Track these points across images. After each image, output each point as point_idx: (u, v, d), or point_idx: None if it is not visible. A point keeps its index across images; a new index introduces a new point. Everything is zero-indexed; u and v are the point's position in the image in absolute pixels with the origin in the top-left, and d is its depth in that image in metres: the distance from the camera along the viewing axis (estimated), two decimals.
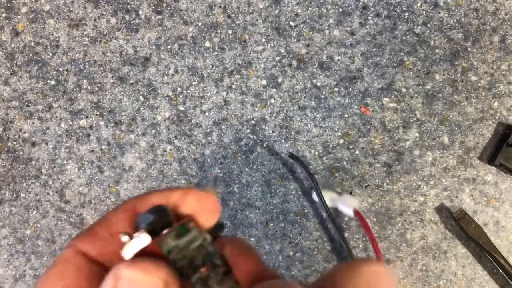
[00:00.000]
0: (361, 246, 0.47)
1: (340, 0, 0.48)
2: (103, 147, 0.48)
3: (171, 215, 0.18)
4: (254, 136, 0.48)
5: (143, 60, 0.48)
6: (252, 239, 0.47)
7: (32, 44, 0.49)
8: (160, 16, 0.48)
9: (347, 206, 0.45)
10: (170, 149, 0.48)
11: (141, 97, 0.48)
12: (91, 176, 0.48)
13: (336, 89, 0.48)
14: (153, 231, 0.17)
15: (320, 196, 0.44)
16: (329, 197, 0.45)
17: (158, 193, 0.18)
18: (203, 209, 0.18)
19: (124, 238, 0.16)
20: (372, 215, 0.47)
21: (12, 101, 0.48)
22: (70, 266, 0.17)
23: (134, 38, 0.48)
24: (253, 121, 0.48)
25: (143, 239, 0.17)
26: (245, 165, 0.48)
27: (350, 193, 0.47)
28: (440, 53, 0.47)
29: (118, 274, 0.15)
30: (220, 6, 0.48)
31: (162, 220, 0.17)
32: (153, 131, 0.48)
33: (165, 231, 0.17)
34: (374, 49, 0.48)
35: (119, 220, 0.18)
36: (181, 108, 0.48)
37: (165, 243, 0.17)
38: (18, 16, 0.49)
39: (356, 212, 0.44)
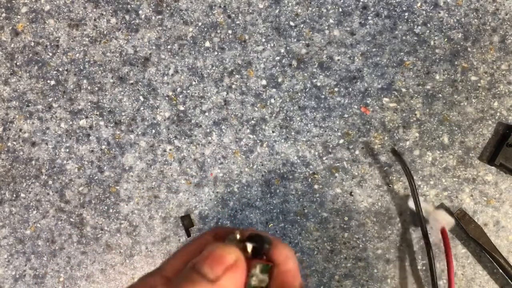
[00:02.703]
0: (361, 246, 0.47)
1: (340, 0, 0.48)
2: (103, 147, 0.48)
3: (269, 250, 0.22)
4: (254, 136, 0.48)
5: (143, 60, 0.48)
6: None
7: (32, 44, 0.49)
8: (160, 16, 0.48)
9: (437, 221, 0.43)
10: (170, 149, 0.48)
11: (141, 97, 0.48)
12: (91, 176, 0.48)
13: (336, 89, 0.48)
14: (254, 251, 0.21)
15: (417, 203, 0.43)
16: (423, 206, 0.44)
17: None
18: (283, 267, 0.21)
19: (238, 236, 0.21)
20: (372, 215, 0.47)
21: (12, 101, 0.48)
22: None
23: (134, 38, 0.48)
24: (253, 121, 0.48)
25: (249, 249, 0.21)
26: (245, 165, 0.48)
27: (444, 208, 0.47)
28: (440, 53, 0.47)
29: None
30: (220, 6, 0.48)
31: (261, 247, 0.21)
32: (153, 131, 0.48)
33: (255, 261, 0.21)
34: (374, 49, 0.48)
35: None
36: (181, 108, 0.48)
37: (254, 266, 0.21)
38: (18, 16, 0.49)
39: (444, 232, 0.43)
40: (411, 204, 0.45)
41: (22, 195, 0.48)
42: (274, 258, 0.21)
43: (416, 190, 0.44)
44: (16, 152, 0.48)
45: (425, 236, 0.44)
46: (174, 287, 0.18)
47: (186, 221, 0.47)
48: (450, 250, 0.42)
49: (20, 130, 0.48)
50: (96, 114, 0.48)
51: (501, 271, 0.45)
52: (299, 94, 0.48)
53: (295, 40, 0.48)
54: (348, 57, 0.48)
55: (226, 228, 0.22)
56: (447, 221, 0.44)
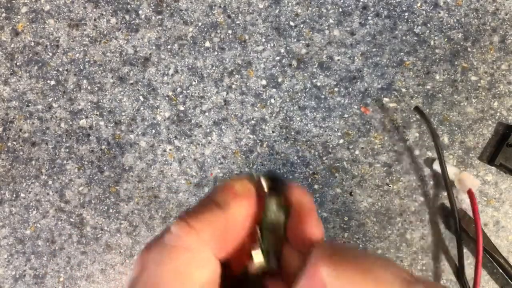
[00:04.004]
0: (361, 246, 0.47)
1: (340, 0, 0.48)
2: (103, 147, 0.48)
3: (282, 186, 0.22)
4: (254, 136, 0.48)
5: (143, 60, 0.48)
6: None
7: (32, 44, 0.49)
8: (160, 16, 0.48)
9: (465, 184, 0.44)
10: (170, 149, 0.48)
11: (141, 97, 0.48)
12: (91, 176, 0.48)
13: (336, 89, 0.48)
14: (270, 187, 0.21)
15: (443, 164, 0.43)
16: (451, 170, 0.44)
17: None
18: (307, 233, 0.21)
19: (255, 175, 0.21)
20: (372, 215, 0.47)
21: (12, 101, 0.48)
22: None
23: (134, 38, 0.48)
24: (253, 121, 0.48)
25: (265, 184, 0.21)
26: (245, 165, 0.48)
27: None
28: (440, 53, 0.47)
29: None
30: (220, 6, 0.48)
31: (277, 185, 0.21)
32: (153, 131, 0.48)
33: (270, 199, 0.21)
34: (374, 49, 0.48)
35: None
36: (181, 108, 0.48)
37: (271, 203, 0.21)
38: (18, 16, 0.49)
39: (470, 193, 0.43)
40: (436, 167, 0.45)
41: (22, 195, 0.48)
42: (290, 199, 0.21)
43: (441, 150, 0.44)
44: (16, 152, 0.48)
45: (450, 198, 0.44)
46: (191, 213, 0.19)
47: None
48: (478, 211, 0.42)
49: (20, 130, 0.48)
50: (96, 114, 0.48)
51: (501, 271, 0.45)
52: (299, 94, 0.48)
53: (295, 40, 0.48)
54: (348, 57, 0.48)
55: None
56: (473, 183, 0.44)
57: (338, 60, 0.48)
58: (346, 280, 0.16)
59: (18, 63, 0.49)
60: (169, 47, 0.48)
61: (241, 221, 0.19)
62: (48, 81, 0.48)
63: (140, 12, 0.48)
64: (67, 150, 0.48)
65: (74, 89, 0.48)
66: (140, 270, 0.18)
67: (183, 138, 0.48)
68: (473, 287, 0.43)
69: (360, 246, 0.47)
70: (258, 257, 0.20)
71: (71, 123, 0.48)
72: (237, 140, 0.48)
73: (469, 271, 0.47)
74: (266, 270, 0.21)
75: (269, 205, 0.21)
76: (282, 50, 0.48)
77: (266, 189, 0.21)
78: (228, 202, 0.19)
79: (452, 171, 0.45)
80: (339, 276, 0.16)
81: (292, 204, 0.21)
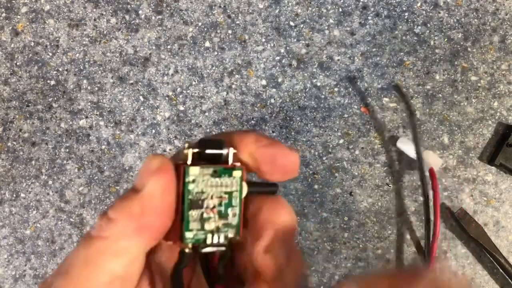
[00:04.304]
0: (361, 246, 0.47)
1: (340, 0, 0.48)
2: (103, 147, 0.48)
3: (226, 152, 0.18)
4: None
5: (143, 60, 0.48)
6: None
7: (32, 44, 0.49)
8: (160, 16, 0.48)
9: (427, 163, 0.43)
10: (170, 149, 0.48)
11: (141, 97, 0.48)
12: (91, 176, 0.48)
13: (336, 89, 0.48)
14: (206, 159, 0.18)
15: (417, 142, 0.42)
16: (411, 148, 0.44)
17: (232, 133, 0.19)
18: (275, 165, 0.18)
19: (186, 145, 0.18)
20: (372, 215, 0.47)
21: (12, 101, 0.48)
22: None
23: (134, 38, 0.48)
24: (253, 121, 0.48)
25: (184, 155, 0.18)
26: None
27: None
28: (440, 53, 0.47)
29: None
30: (220, 6, 0.48)
31: (215, 150, 0.18)
32: (153, 131, 0.48)
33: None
34: (374, 49, 0.48)
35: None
36: (181, 108, 0.48)
37: (193, 171, 0.17)
38: (18, 16, 0.49)
39: (432, 171, 0.42)
40: (400, 144, 0.45)
41: (22, 195, 0.48)
42: (251, 160, 0.18)
43: (417, 129, 0.43)
44: (16, 152, 0.48)
45: (422, 181, 0.43)
46: (112, 204, 0.18)
47: None
48: (438, 190, 0.42)
49: (20, 130, 0.48)
50: (96, 114, 0.48)
51: (501, 270, 0.45)
52: (299, 94, 0.48)
53: (295, 40, 0.48)
54: (348, 57, 0.48)
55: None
56: (436, 162, 0.44)
57: (338, 60, 0.48)
58: None
59: (18, 63, 0.49)
60: (169, 47, 0.48)
61: (160, 200, 0.17)
62: (48, 81, 0.48)
63: (140, 12, 0.48)
64: (67, 150, 0.48)
65: (74, 89, 0.48)
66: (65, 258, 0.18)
67: (183, 138, 0.48)
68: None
69: (360, 246, 0.47)
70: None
71: (71, 123, 0.48)
72: None
73: (469, 272, 0.47)
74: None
75: (189, 175, 0.17)
76: (282, 50, 0.48)
77: (188, 159, 0.17)
78: (143, 183, 0.17)
79: (414, 150, 0.44)
80: None
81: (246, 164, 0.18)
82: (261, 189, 0.19)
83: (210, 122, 0.48)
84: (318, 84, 0.48)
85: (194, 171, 0.17)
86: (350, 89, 0.47)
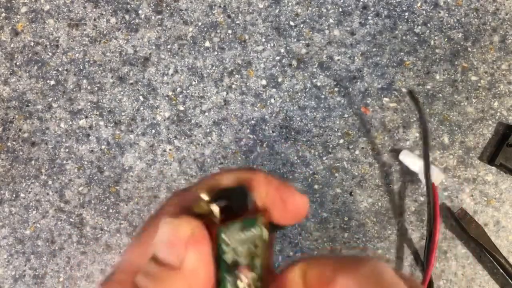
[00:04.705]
0: (361, 246, 0.47)
1: (340, 0, 0.48)
2: (103, 147, 0.48)
3: (250, 200, 0.17)
4: (254, 136, 0.48)
5: (142, 60, 0.48)
6: None
7: (32, 44, 0.48)
8: (160, 16, 0.48)
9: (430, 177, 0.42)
10: (170, 149, 0.48)
11: (140, 97, 0.48)
12: (90, 176, 0.48)
13: (336, 89, 0.47)
14: (227, 209, 0.17)
15: (427, 155, 0.41)
16: (416, 162, 0.44)
17: (237, 173, 0.18)
18: (286, 209, 0.17)
19: (203, 196, 0.16)
20: (372, 215, 0.47)
21: (11, 101, 0.48)
22: None
23: (134, 38, 0.48)
24: (253, 121, 0.48)
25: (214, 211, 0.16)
26: (245, 165, 0.47)
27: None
28: (440, 53, 0.47)
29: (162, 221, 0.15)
30: (220, 6, 0.48)
31: (239, 202, 0.17)
32: (153, 131, 0.48)
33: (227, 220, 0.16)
34: (374, 49, 0.47)
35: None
36: (181, 108, 0.48)
37: (225, 233, 0.16)
38: (18, 16, 0.49)
39: (433, 187, 0.42)
40: (403, 157, 0.45)
41: (22, 195, 0.48)
42: (264, 204, 0.17)
43: (428, 144, 0.42)
44: (16, 152, 0.48)
45: (428, 189, 0.43)
46: None
47: None
48: (438, 206, 0.42)
49: (20, 130, 0.48)
50: (96, 114, 0.48)
51: (501, 271, 0.45)
52: (299, 94, 0.48)
53: (295, 40, 0.48)
54: (348, 57, 0.48)
55: (189, 191, 0.18)
56: (438, 177, 0.43)
57: (338, 60, 0.48)
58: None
59: (17, 63, 0.48)
60: (169, 47, 0.48)
61: (204, 273, 0.16)
62: (48, 81, 0.48)
63: (140, 12, 0.48)
64: (67, 150, 0.48)
65: (74, 89, 0.48)
66: None
67: (183, 138, 0.48)
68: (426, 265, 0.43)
69: (360, 246, 0.47)
70: None
71: (70, 123, 0.48)
72: (237, 140, 0.48)
73: (469, 272, 0.47)
74: None
75: (222, 234, 0.16)
76: (282, 50, 0.48)
77: (218, 216, 0.16)
78: (179, 257, 0.15)
79: (417, 163, 0.44)
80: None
81: (266, 210, 0.17)
82: (275, 227, 0.18)
83: (210, 122, 0.48)
84: (318, 84, 0.47)
85: (227, 233, 0.16)
86: (350, 89, 0.47)
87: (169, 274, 0.15)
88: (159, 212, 0.17)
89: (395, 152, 0.47)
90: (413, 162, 0.44)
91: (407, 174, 0.47)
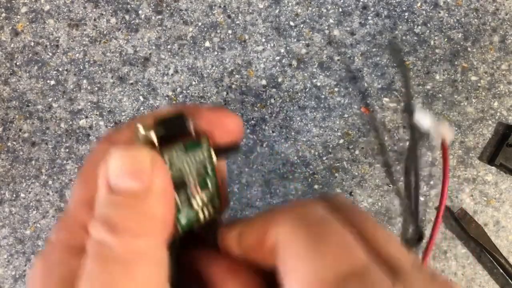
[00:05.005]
0: None
1: (340, 0, 0.48)
2: None
3: (189, 125, 0.17)
4: (254, 136, 0.48)
5: (143, 60, 0.48)
6: None
7: (32, 44, 0.48)
8: (160, 16, 0.48)
9: (438, 133, 0.42)
10: None
11: (141, 97, 0.48)
12: None
13: (336, 89, 0.47)
14: (167, 137, 0.17)
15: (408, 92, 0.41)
16: (427, 120, 0.43)
17: (175, 109, 0.18)
18: (222, 128, 0.18)
19: (140, 129, 0.16)
20: (372, 215, 0.47)
21: (11, 101, 0.48)
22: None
23: (134, 38, 0.48)
24: (253, 121, 0.48)
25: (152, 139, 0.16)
26: (245, 165, 0.47)
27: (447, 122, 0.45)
28: (440, 53, 0.47)
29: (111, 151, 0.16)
30: (220, 6, 0.48)
31: (178, 128, 0.17)
32: None
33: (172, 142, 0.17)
34: (374, 49, 0.47)
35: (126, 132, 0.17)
36: None
37: (169, 154, 0.17)
38: (18, 16, 0.49)
39: (444, 144, 0.41)
40: (418, 116, 0.44)
41: (22, 195, 0.48)
42: (204, 128, 0.18)
43: (409, 80, 0.42)
44: (16, 152, 0.48)
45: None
46: (116, 222, 0.15)
47: None
48: (448, 163, 0.41)
49: (20, 130, 0.48)
50: (96, 114, 0.48)
51: (501, 270, 0.45)
52: (299, 94, 0.48)
53: (295, 40, 0.48)
54: (348, 57, 0.48)
55: (123, 129, 0.18)
56: (448, 134, 0.43)
57: (338, 60, 0.48)
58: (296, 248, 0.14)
59: (18, 63, 0.49)
60: (169, 47, 0.48)
61: (171, 193, 0.16)
62: (48, 81, 0.48)
63: (140, 12, 0.48)
64: (67, 150, 0.48)
65: (74, 89, 0.48)
66: None
67: None
68: (427, 245, 0.43)
69: None
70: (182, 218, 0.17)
71: (71, 123, 0.48)
72: None
73: (469, 272, 0.47)
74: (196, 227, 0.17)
75: (167, 157, 0.16)
76: (282, 50, 0.48)
77: (156, 147, 0.16)
78: (148, 183, 0.15)
79: (427, 121, 0.43)
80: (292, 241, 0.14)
81: (206, 132, 0.18)
82: (228, 152, 0.19)
83: None
84: (318, 84, 0.48)
85: (169, 155, 0.16)
86: (350, 89, 0.47)
87: (137, 200, 0.15)
88: (96, 150, 0.17)
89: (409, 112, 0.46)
90: (426, 119, 0.43)
91: (407, 174, 0.47)
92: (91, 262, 0.15)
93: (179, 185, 0.17)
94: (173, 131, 0.17)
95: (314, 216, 0.15)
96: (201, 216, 0.17)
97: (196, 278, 0.17)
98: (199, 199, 0.17)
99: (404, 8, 0.47)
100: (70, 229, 0.16)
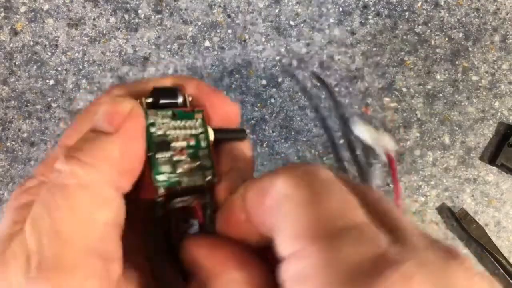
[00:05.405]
0: None
1: (341, 0, 0.48)
2: None
3: (183, 98, 0.18)
4: (254, 136, 0.47)
5: (142, 59, 0.48)
6: None
7: (31, 43, 0.48)
8: (159, 16, 0.48)
9: (381, 146, 0.42)
10: None
11: None
12: None
13: (336, 89, 0.47)
14: (162, 105, 0.17)
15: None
16: (367, 134, 0.43)
17: (172, 79, 0.19)
18: (217, 110, 0.18)
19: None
20: None
21: (11, 100, 0.48)
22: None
23: (134, 37, 0.48)
24: (253, 121, 0.47)
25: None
26: None
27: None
28: (441, 52, 0.47)
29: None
30: (220, 6, 0.48)
31: (172, 98, 0.18)
32: None
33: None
34: (374, 49, 0.47)
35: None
36: None
37: (155, 115, 0.17)
38: (17, 16, 0.48)
39: (389, 157, 0.41)
40: (356, 128, 0.44)
41: None
42: (201, 104, 0.18)
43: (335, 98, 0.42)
44: (15, 152, 0.48)
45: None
46: (77, 148, 0.15)
47: None
48: (396, 174, 0.42)
49: (19, 130, 0.48)
50: None
51: (502, 271, 0.45)
52: (299, 93, 0.47)
53: (295, 39, 0.47)
54: (349, 56, 0.47)
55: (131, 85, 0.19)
56: (389, 144, 0.43)
57: (339, 59, 0.47)
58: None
59: (17, 63, 0.48)
60: (168, 46, 0.48)
61: (137, 143, 0.16)
62: (47, 81, 0.48)
63: (139, 11, 0.48)
64: None
65: (73, 89, 0.48)
66: (21, 214, 0.15)
67: None
68: None
69: None
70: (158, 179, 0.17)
71: (70, 123, 0.48)
72: None
73: None
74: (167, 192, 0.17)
75: (152, 118, 0.17)
76: (282, 50, 0.47)
77: (145, 107, 0.17)
78: (118, 126, 0.16)
79: (368, 134, 0.43)
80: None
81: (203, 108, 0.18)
82: (229, 135, 0.19)
83: None
84: (319, 83, 0.47)
85: (155, 117, 0.17)
86: (351, 89, 0.47)
87: (102, 138, 0.16)
88: (91, 107, 0.18)
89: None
90: (366, 131, 0.43)
91: (407, 174, 0.47)
92: (45, 188, 0.15)
93: (161, 145, 0.17)
94: (166, 100, 0.17)
95: (318, 174, 0.15)
96: (184, 180, 0.17)
97: (194, 266, 0.16)
98: (185, 164, 0.17)
99: (404, 8, 0.47)
100: (49, 165, 0.17)
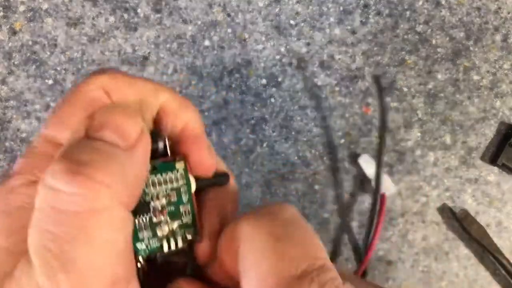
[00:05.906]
0: (362, 246, 0.47)
1: None
2: None
3: (163, 143, 0.17)
4: (254, 136, 0.47)
5: (141, 59, 0.48)
6: None
7: (30, 43, 0.48)
8: (159, 15, 0.48)
9: (381, 187, 0.42)
10: None
11: None
12: None
13: (337, 89, 0.47)
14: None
15: (379, 160, 0.41)
16: (371, 170, 0.43)
17: (144, 82, 0.18)
18: (195, 159, 0.18)
19: None
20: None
21: (9, 100, 0.48)
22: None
23: (133, 36, 0.48)
24: (253, 121, 0.47)
25: None
26: (245, 165, 0.47)
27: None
28: (442, 52, 0.47)
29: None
30: (219, 5, 0.48)
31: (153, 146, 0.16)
32: None
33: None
34: (375, 48, 0.47)
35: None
36: None
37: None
38: (16, 15, 0.48)
39: (382, 199, 0.42)
40: (362, 161, 0.45)
41: None
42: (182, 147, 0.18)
43: (383, 147, 0.42)
44: (14, 152, 0.48)
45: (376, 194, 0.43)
46: (84, 166, 0.13)
47: None
48: (383, 214, 0.42)
49: (18, 130, 0.48)
50: None
51: (503, 272, 0.44)
52: (300, 93, 0.47)
53: (295, 39, 0.47)
54: (349, 56, 0.47)
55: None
56: (388, 187, 0.43)
57: (339, 59, 0.47)
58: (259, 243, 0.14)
59: (15, 62, 0.48)
60: (168, 46, 0.48)
61: (146, 166, 0.15)
62: (46, 81, 0.48)
63: (138, 10, 0.48)
64: None
65: None
66: (17, 233, 0.14)
67: None
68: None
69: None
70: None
71: None
72: (237, 140, 0.47)
73: (471, 273, 0.46)
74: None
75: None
76: (282, 49, 0.47)
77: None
78: (134, 143, 0.14)
79: (371, 171, 0.44)
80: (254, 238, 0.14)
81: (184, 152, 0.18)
82: (211, 181, 0.18)
83: (209, 122, 0.47)
84: (319, 83, 0.47)
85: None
86: (351, 89, 0.47)
87: (118, 152, 0.14)
88: (77, 94, 0.17)
89: (356, 156, 0.46)
90: (369, 167, 0.44)
91: (408, 174, 0.47)
92: (44, 210, 0.13)
93: (141, 207, 0.15)
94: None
95: (280, 214, 0.14)
96: (165, 245, 0.16)
97: None
98: (165, 226, 0.16)
99: (405, 7, 0.47)
100: (37, 161, 0.16)
